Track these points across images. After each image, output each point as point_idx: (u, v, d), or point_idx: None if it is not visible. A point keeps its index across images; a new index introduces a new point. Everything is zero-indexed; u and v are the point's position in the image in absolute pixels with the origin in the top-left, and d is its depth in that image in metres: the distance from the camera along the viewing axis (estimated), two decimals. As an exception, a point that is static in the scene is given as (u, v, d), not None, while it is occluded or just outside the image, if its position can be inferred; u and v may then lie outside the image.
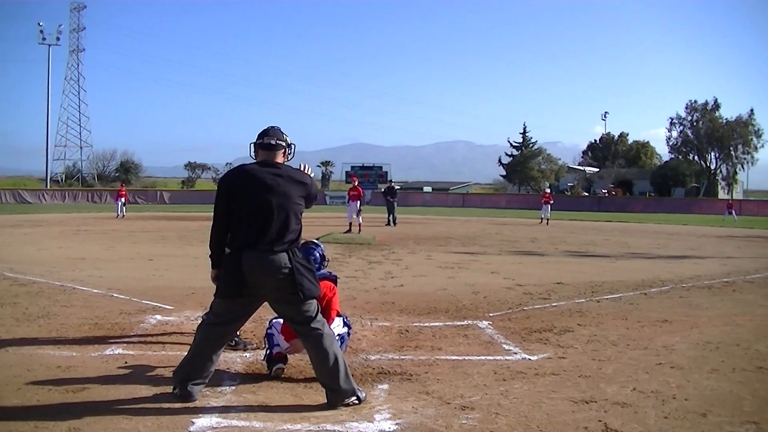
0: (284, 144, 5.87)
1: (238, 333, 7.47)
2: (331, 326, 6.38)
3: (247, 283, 5.51)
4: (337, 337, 6.50)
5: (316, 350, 5.68)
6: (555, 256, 19.43)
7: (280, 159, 5.84)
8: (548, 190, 42.95)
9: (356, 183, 29.85)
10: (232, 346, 7.38)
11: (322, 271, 7.01)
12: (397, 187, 36.93)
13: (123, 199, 38.18)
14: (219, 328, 5.76)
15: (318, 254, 7.09)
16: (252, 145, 5.87)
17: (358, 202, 27.46)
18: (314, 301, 5.74)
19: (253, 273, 5.46)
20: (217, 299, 5.76)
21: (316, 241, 7.45)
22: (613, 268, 16.50)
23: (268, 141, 5.79)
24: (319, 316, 5.79)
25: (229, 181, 5.77)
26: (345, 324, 7.04)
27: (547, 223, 36.55)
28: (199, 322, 6.14)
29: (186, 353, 5.91)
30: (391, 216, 32.90)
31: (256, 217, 5.51)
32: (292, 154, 6.03)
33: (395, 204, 33.62)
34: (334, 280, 7.02)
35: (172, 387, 5.78)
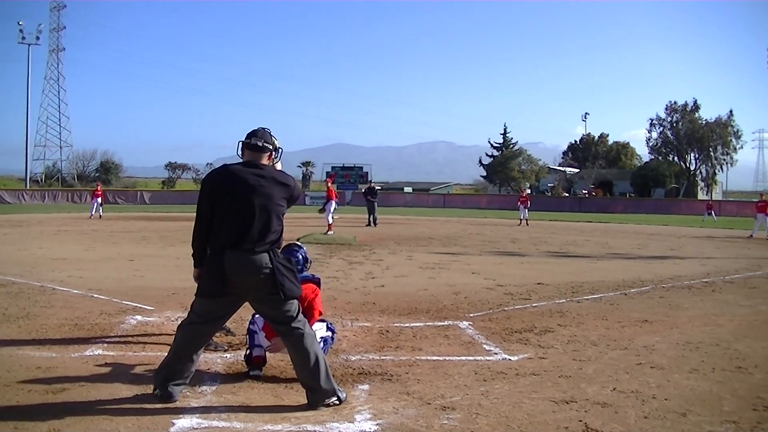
0: (271, 147, 5.85)
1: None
2: (313, 328, 6.39)
3: (229, 283, 5.51)
4: (320, 340, 6.51)
5: (297, 350, 5.68)
6: (536, 257, 19.48)
7: (265, 161, 5.82)
8: (528, 191, 43.08)
9: (329, 184, 29.87)
10: (209, 348, 7.38)
11: (304, 273, 7.02)
12: (377, 187, 36.87)
13: (99, 199, 37.80)
14: (199, 327, 5.75)
15: (300, 256, 7.10)
16: (240, 143, 5.86)
17: (331, 202, 27.40)
18: (295, 301, 5.74)
19: (235, 272, 5.46)
20: (198, 298, 5.75)
21: (298, 243, 7.46)
22: (593, 268, 16.56)
23: (255, 142, 5.77)
24: (300, 315, 5.79)
25: (212, 180, 5.77)
26: (329, 328, 7.05)
27: (527, 224, 36.63)
28: (179, 322, 6.12)
29: (166, 354, 5.90)
30: (372, 216, 32.88)
31: (238, 216, 5.51)
32: (278, 158, 6.02)
33: (376, 204, 33.61)
34: (317, 282, 7.04)
35: (152, 388, 5.77)
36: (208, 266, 5.64)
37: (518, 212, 38.60)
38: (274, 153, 5.92)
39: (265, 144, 5.80)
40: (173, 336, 5.99)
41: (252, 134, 5.83)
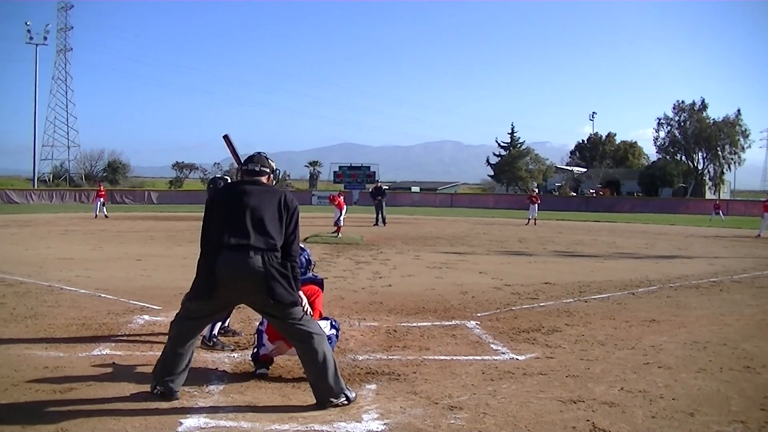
0: (268, 170, 6.05)
1: (215, 334, 7.53)
2: None
3: (219, 286, 5.54)
4: (324, 338, 6.51)
5: (305, 350, 5.69)
6: (543, 256, 19.45)
7: (264, 182, 6.01)
8: (536, 190, 42.97)
9: (336, 201, 29.44)
10: (210, 346, 7.42)
11: (308, 274, 7.01)
12: (385, 187, 36.64)
13: (102, 200, 37.93)
14: (192, 322, 5.83)
15: (304, 259, 7.09)
16: (238, 170, 6.06)
17: (340, 210, 27.14)
18: (298, 307, 5.73)
19: (226, 275, 5.49)
20: (190, 297, 5.80)
21: (301, 245, 7.47)
22: (600, 267, 16.53)
23: (252, 167, 5.98)
24: (307, 316, 5.81)
25: (212, 194, 6.07)
26: (333, 326, 7.03)
27: (535, 223, 36.57)
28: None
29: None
30: (381, 215, 32.75)
31: (232, 219, 5.60)
32: (277, 180, 6.18)
33: (384, 203, 33.50)
34: (320, 283, 7.02)
35: (152, 386, 5.79)
36: (201, 268, 5.69)
37: (527, 211, 38.47)
38: (271, 175, 6.10)
39: (262, 168, 5.99)
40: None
41: (249, 160, 6.05)
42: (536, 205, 37.87)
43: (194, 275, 5.82)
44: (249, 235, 5.51)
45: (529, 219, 37.52)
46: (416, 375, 6.66)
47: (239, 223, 5.55)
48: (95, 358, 7.09)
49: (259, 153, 6.11)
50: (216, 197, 5.88)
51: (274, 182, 6.15)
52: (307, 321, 5.77)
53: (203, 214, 5.83)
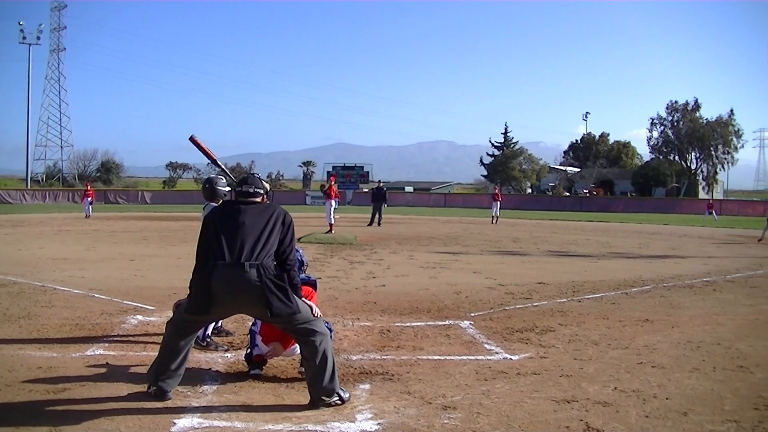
0: (262, 191, 6.11)
1: (209, 334, 7.54)
2: None
3: (215, 301, 5.54)
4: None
5: (307, 346, 5.72)
6: (537, 256, 19.47)
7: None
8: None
9: (331, 183, 29.49)
10: (203, 346, 7.42)
11: (301, 275, 7.01)
12: (385, 189, 36.19)
13: (90, 199, 37.90)
14: (186, 326, 5.82)
15: (297, 259, 7.10)
16: (232, 191, 6.09)
17: (330, 201, 27.10)
18: (299, 314, 5.71)
19: (222, 290, 5.48)
20: (185, 308, 5.80)
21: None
22: (594, 267, 16.55)
23: (247, 189, 6.04)
24: (310, 315, 5.81)
25: (207, 215, 6.08)
26: (326, 327, 7.04)
27: (496, 221, 37.18)
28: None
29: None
30: (378, 215, 32.58)
31: (228, 236, 5.62)
32: (270, 201, 6.22)
33: (384, 205, 33.38)
34: (313, 284, 7.02)
35: (147, 386, 5.79)
36: (197, 282, 5.68)
37: (503, 210, 38.70)
38: (265, 196, 6.17)
39: (256, 190, 6.06)
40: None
41: (243, 182, 6.12)
42: (498, 202, 38.28)
43: (189, 275, 5.82)
44: (244, 251, 5.53)
45: (493, 217, 37.92)
46: (410, 375, 6.66)
47: (234, 239, 5.58)
48: (89, 358, 7.08)
49: (252, 174, 6.21)
50: (212, 216, 5.89)
51: (268, 204, 6.17)
52: (311, 320, 5.79)
53: (200, 231, 5.84)
